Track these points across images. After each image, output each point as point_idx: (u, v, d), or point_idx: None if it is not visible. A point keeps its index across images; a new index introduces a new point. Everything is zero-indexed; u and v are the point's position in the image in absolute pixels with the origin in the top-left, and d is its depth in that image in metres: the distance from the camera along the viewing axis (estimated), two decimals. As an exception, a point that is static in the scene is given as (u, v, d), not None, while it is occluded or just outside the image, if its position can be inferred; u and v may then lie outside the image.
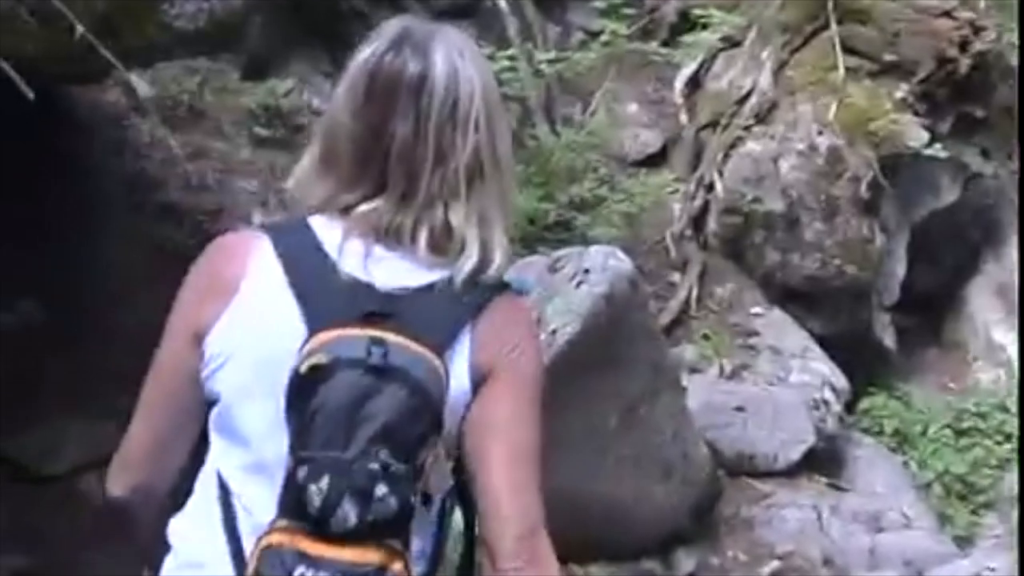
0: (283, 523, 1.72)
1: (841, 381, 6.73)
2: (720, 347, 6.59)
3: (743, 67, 7.68)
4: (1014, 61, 8.08)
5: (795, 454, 6.22)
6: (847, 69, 7.45)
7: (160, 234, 5.16)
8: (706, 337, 6.59)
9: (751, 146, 7.32)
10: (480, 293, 1.88)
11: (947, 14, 7.55)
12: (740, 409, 6.17)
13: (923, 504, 6.53)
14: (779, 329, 6.92)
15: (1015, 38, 8.28)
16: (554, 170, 6.66)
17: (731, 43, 7.89)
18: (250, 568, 1.73)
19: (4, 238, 4.52)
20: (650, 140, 7.84)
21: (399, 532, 1.74)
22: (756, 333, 6.87)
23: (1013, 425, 7.27)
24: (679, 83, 7.96)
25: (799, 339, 6.87)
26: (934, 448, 7.10)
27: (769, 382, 6.48)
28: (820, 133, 7.26)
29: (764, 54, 7.64)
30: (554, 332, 4.98)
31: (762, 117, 7.41)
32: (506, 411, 1.87)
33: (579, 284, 5.14)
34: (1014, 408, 7.42)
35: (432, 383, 1.77)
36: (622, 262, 5.24)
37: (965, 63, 7.47)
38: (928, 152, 7.21)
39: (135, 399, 2.05)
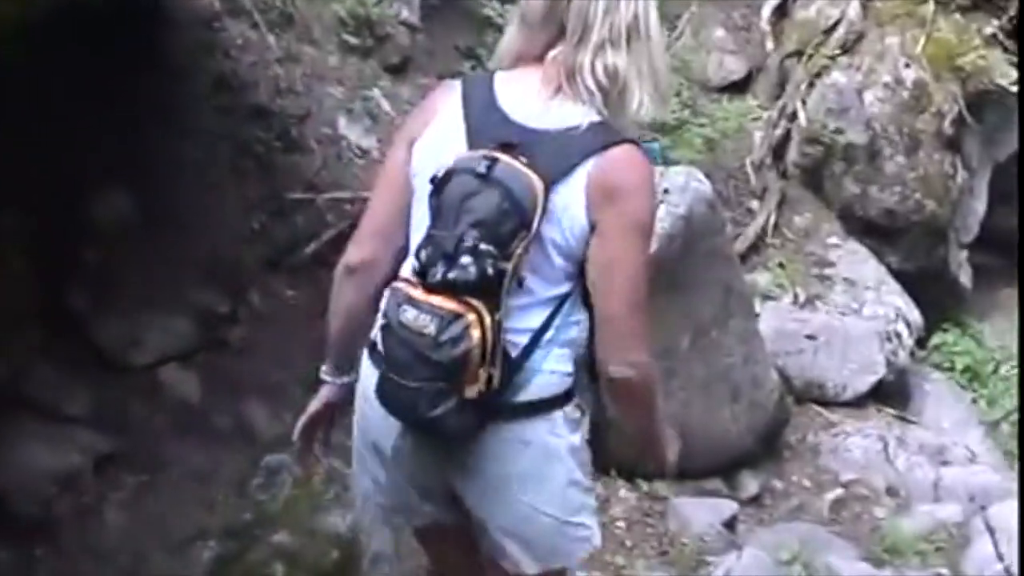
0: (407, 276, 2.43)
1: (915, 315, 6.72)
2: (795, 276, 6.59)
3: (832, -4, 7.59)
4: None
5: (864, 385, 6.24)
6: (937, 2, 7.35)
7: (248, 134, 5.24)
8: (781, 265, 6.59)
9: (836, 76, 7.26)
10: (605, 138, 2.37)
11: (1044, -51, 7.40)
12: (811, 337, 6.20)
13: (990, 441, 6.54)
14: (855, 261, 6.90)
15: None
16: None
17: (821, -31, 7.80)
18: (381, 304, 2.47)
19: (97, 132, 4.61)
20: (735, 66, 7.77)
21: (481, 295, 2.30)
22: (831, 264, 6.86)
23: (1088, 365, 7.24)
24: (766, 10, 7.88)
25: (875, 272, 6.85)
26: (1004, 387, 7.08)
27: (842, 312, 6.48)
28: (907, 66, 7.18)
29: (854, -17, 7.55)
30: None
31: (848, 48, 7.34)
32: (619, 250, 2.37)
33: (659, 203, 5.16)
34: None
35: (526, 197, 2.30)
36: (702, 184, 5.25)
37: (1059, 0, 7.32)
38: (1015, 89, 7.10)
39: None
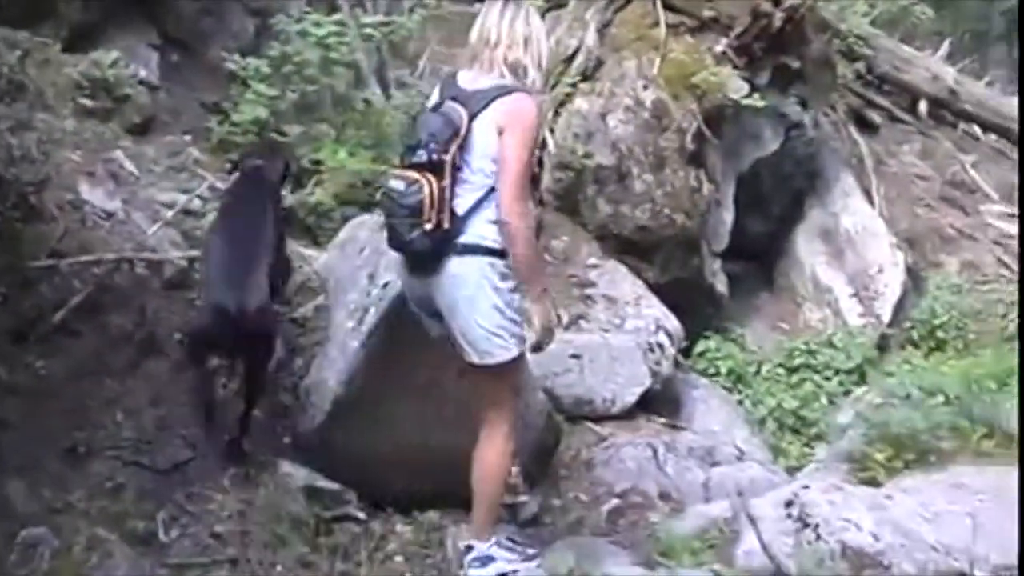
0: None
1: (675, 325, 6.94)
2: (558, 298, 6.72)
3: (569, 27, 7.85)
4: (826, 14, 8.42)
5: (632, 397, 6.41)
6: (668, 26, 7.70)
7: (-15, 207, 5.09)
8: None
9: (580, 103, 7.50)
10: (507, 89, 4.27)
11: (760, -31, 7.82)
12: (577, 356, 6.33)
13: (757, 439, 6.82)
14: (614, 279, 7.12)
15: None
16: (386, 132, 6.73)
17: (556, 4, 8.06)
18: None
19: None
20: (480, 100, 7.92)
21: (430, 171, 4.20)
22: (592, 283, 7.06)
23: (840, 361, 7.63)
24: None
25: (633, 287, 7.08)
26: (767, 386, 7.42)
27: (605, 329, 6.66)
28: (645, 88, 7.47)
29: (588, 14, 7.83)
30: (385, 286, 5.06)
31: (589, 75, 7.60)
32: (512, 147, 4.21)
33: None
34: (841, 344, 7.78)
35: (457, 119, 4.22)
36: (450, 216, 5.32)
37: (779, 17, 7.76)
38: (748, 103, 7.47)
39: None
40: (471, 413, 4.60)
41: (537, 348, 4.57)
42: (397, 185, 4.25)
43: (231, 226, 4.96)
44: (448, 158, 4.19)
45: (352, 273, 5.39)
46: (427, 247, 4.23)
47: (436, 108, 4.31)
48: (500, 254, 4.25)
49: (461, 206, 4.24)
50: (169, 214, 5.78)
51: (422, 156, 4.20)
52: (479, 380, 4.46)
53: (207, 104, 6.91)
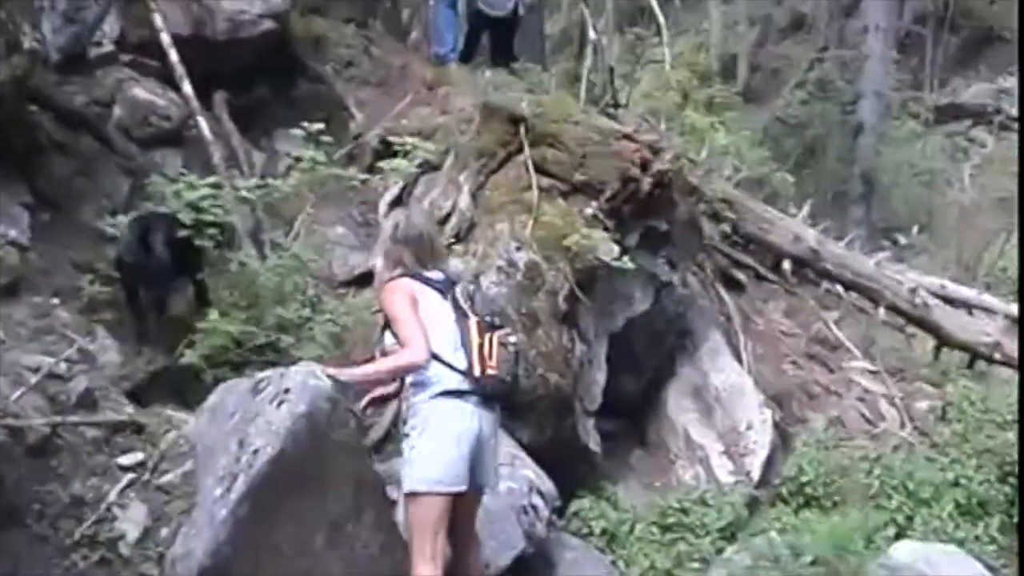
0: None
1: (548, 486, 6.95)
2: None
3: (443, 189, 8.00)
4: (692, 178, 8.72)
5: (506, 560, 6.37)
6: (541, 189, 7.88)
7: None
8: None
9: (454, 264, 7.57)
10: None
11: (628, 137, 8.10)
12: (450, 520, 6.28)
13: (631, 600, 6.81)
14: (487, 439, 7.10)
15: (692, 156, 8.96)
16: (259, 293, 6.72)
17: (431, 167, 8.22)
18: None
19: None
20: (358, 261, 8.01)
21: None
22: (466, 445, 7.04)
23: (712, 519, 7.69)
24: (383, 205, 8.21)
25: (507, 448, 7.06)
26: (640, 546, 7.42)
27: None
28: (518, 249, 7.59)
29: (462, 177, 8.00)
30: (255, 452, 5.01)
31: (463, 236, 7.71)
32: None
33: (280, 404, 5.21)
34: (713, 502, 7.86)
35: None
36: (321, 381, 5.33)
37: (647, 181, 8.01)
38: (618, 264, 7.64)
39: None
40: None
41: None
42: None
43: None
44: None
45: (222, 438, 5.33)
46: None
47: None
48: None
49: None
50: (34, 379, 5.66)
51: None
52: None
53: (79, 264, 6.84)
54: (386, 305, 5.44)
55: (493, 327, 5.44)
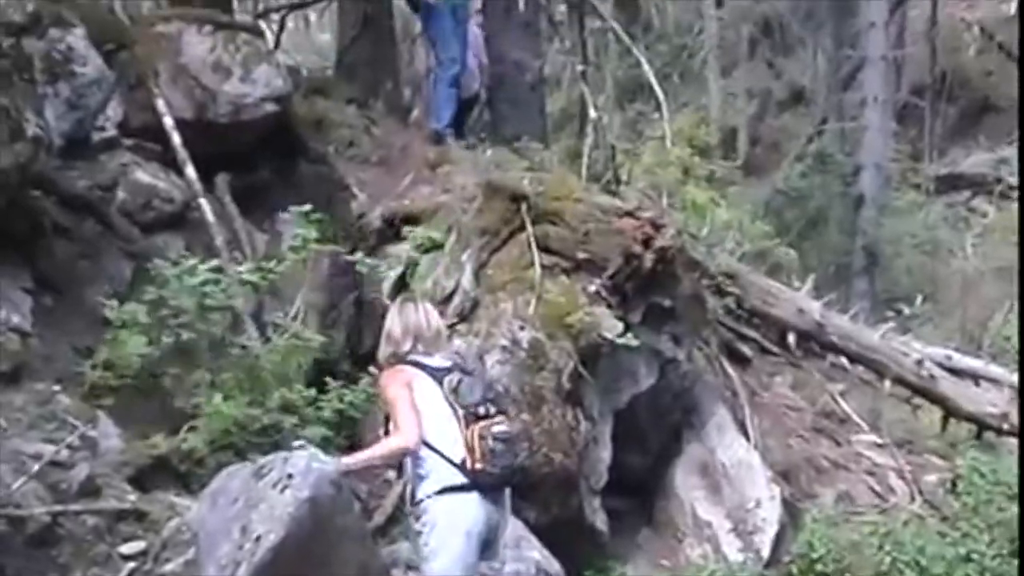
0: None
1: (555, 567, 6.88)
2: (434, 542, 6.63)
3: (446, 269, 8.01)
4: (695, 254, 8.72)
5: (511, 645, 6.28)
6: (543, 267, 7.89)
7: None
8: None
9: (457, 343, 7.56)
10: None
11: (630, 214, 8.12)
12: (455, 604, 6.20)
13: None
14: (493, 521, 7.03)
15: (694, 231, 8.96)
16: (262, 377, 6.69)
17: (434, 246, 8.23)
18: None
19: None
20: (370, 341, 7.97)
21: None
22: (471, 527, 6.97)
23: (721, 597, 7.61)
24: (386, 287, 8.20)
25: (513, 528, 6.98)
26: (647, 626, 7.34)
27: (483, 574, 6.55)
28: (521, 328, 7.59)
29: (465, 255, 8.01)
30: (258, 539, 4.95)
31: (466, 315, 7.71)
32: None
33: (283, 489, 5.15)
34: (722, 581, 7.78)
35: None
36: (325, 464, 5.28)
37: (649, 258, 8.02)
38: (622, 341, 7.63)
39: None
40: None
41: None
42: None
43: None
44: None
45: (224, 525, 5.26)
46: None
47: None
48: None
49: None
50: (35, 467, 5.62)
51: None
52: None
53: (80, 349, 6.81)
54: (383, 391, 5.48)
55: (479, 417, 5.37)
